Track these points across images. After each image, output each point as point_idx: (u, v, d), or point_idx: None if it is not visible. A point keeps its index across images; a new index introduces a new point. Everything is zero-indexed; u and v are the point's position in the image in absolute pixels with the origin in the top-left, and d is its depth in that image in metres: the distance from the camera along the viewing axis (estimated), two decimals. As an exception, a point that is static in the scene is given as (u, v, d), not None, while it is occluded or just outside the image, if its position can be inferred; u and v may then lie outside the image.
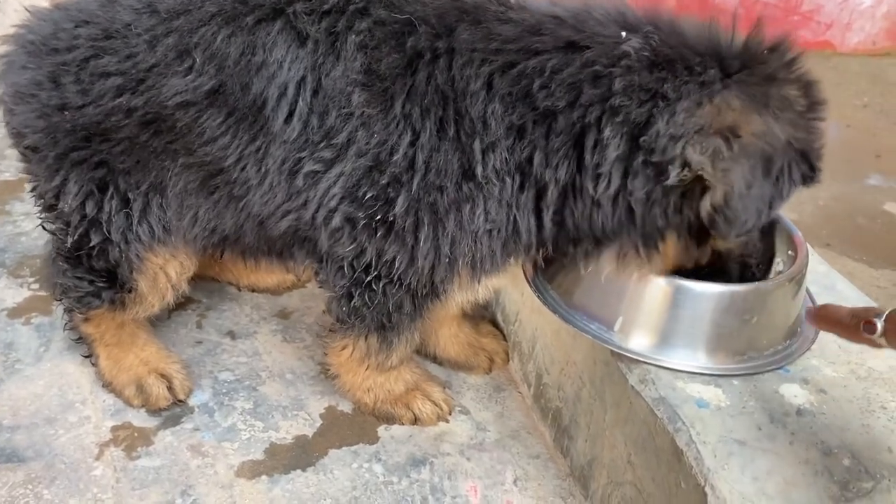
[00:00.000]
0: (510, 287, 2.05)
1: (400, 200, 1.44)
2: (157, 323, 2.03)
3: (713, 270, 1.50)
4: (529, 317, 1.98)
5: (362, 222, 1.48)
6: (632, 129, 1.34)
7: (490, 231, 1.45)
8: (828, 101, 1.40)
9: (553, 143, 1.40)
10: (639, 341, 1.52)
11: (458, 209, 1.44)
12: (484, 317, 2.16)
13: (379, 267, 1.53)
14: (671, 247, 1.45)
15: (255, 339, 2.11)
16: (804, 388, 1.48)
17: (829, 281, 1.78)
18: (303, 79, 1.45)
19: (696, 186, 1.34)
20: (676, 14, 1.44)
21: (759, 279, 1.53)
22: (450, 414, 1.91)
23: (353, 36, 1.44)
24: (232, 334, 2.11)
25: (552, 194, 1.43)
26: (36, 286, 2.19)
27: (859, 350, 1.59)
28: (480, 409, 1.95)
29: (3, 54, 1.70)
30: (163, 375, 1.86)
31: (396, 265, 1.50)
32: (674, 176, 1.32)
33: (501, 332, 2.14)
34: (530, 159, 1.41)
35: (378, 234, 1.49)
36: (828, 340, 1.59)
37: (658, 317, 1.51)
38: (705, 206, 1.33)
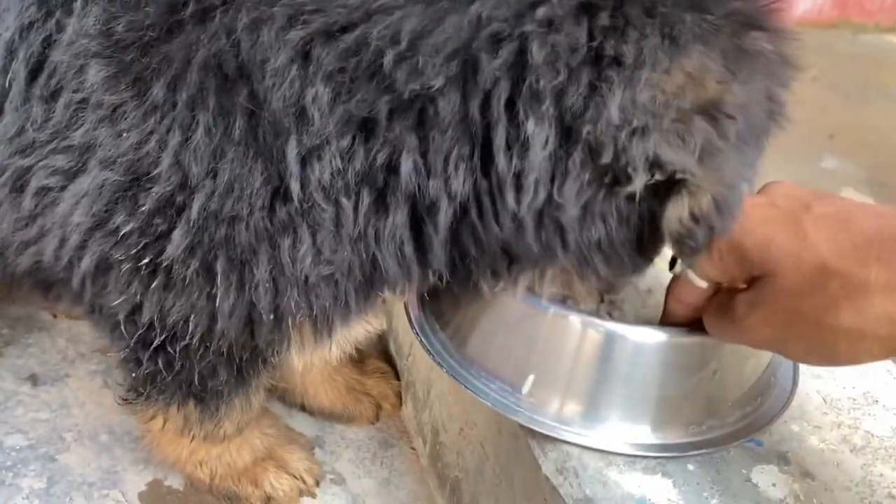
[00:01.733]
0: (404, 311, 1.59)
1: (175, 235, 0.93)
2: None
3: None
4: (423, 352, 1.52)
5: (125, 266, 0.98)
6: (565, 117, 0.85)
7: (330, 275, 0.95)
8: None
9: (436, 140, 0.88)
10: (556, 410, 1.07)
11: (272, 246, 0.93)
12: (372, 348, 1.69)
13: (166, 328, 1.03)
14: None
15: (65, 384, 1.60)
16: (784, 472, 1.06)
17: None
18: (13, 43, 0.94)
19: (663, 190, 0.88)
20: None
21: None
22: (317, 486, 1.44)
23: None
24: (34, 379, 1.60)
25: (445, 214, 0.91)
26: None
27: (849, 407, 1.19)
28: (360, 476, 1.49)
29: None
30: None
31: (191, 326, 1.00)
32: (638, 182, 0.86)
33: (394, 367, 1.69)
34: (391, 166, 0.90)
35: (153, 284, 0.98)
36: (808, 391, 1.18)
37: (583, 375, 1.06)
38: (680, 215, 0.88)
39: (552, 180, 0.86)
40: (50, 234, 1.00)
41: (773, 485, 1.04)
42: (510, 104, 0.84)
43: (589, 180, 0.86)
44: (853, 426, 1.15)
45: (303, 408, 1.58)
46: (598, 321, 1.04)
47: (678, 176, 0.84)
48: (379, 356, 1.70)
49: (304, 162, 0.88)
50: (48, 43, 0.95)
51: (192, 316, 0.98)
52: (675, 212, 0.87)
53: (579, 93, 0.82)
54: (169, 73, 0.89)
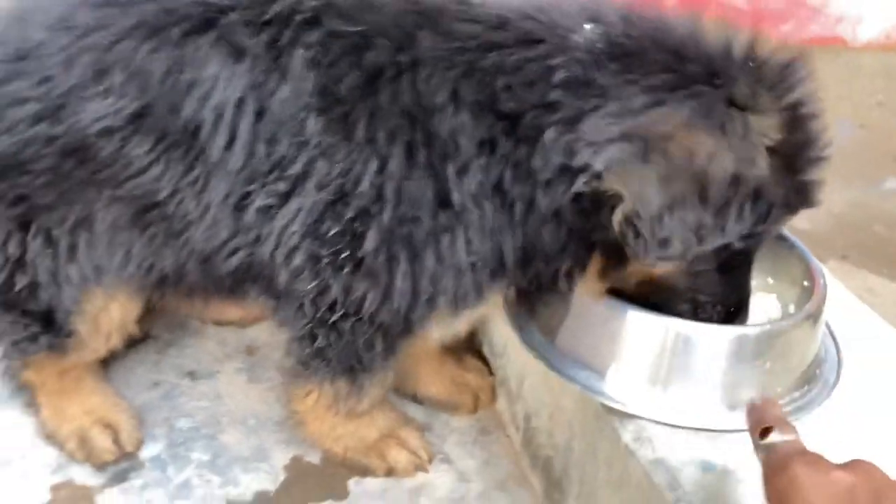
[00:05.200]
0: (498, 316, 1.86)
1: (370, 235, 1.28)
2: (111, 362, 1.85)
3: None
4: (518, 351, 1.78)
5: (326, 260, 1.31)
6: (564, 127, 1.19)
7: (474, 264, 1.29)
8: (821, 141, 1.21)
9: (518, 153, 1.23)
10: (634, 392, 1.32)
11: (437, 241, 1.27)
12: (469, 349, 1.97)
13: (346, 305, 1.35)
14: (596, 266, 1.30)
15: (217, 379, 1.92)
16: (826, 442, 1.28)
17: (849, 309, 1.58)
18: (241, 100, 1.27)
19: (613, 197, 1.18)
20: (668, 10, 1.25)
21: (722, 321, 1.32)
22: (429, 463, 1.72)
23: (301, 51, 1.26)
24: (192, 374, 1.93)
25: (518, 211, 1.27)
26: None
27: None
28: (464, 457, 1.76)
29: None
30: (108, 426, 1.68)
31: (367, 303, 1.33)
32: (581, 183, 1.17)
33: (488, 366, 1.95)
34: (503, 176, 1.24)
35: (345, 271, 1.31)
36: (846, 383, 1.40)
37: (658, 364, 1.31)
38: (617, 216, 1.17)
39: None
40: (268, 239, 1.33)
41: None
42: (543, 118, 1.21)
43: (564, 180, 1.20)
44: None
45: (415, 398, 1.86)
46: (670, 320, 1.29)
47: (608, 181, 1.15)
48: (474, 356, 1.97)
49: (458, 177, 1.22)
50: (270, 98, 1.28)
51: (370, 294, 1.32)
52: (616, 214, 1.17)
53: (573, 108, 1.18)
54: (370, 120, 1.24)
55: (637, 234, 1.14)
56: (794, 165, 1.17)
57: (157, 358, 1.96)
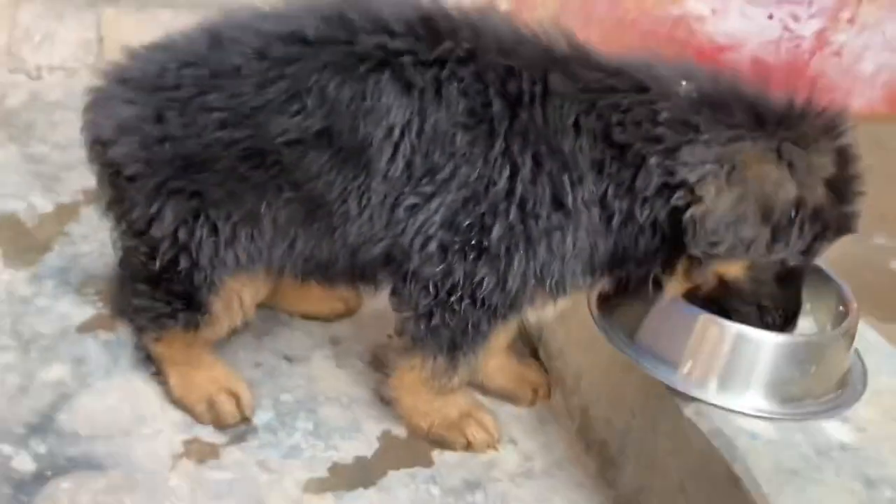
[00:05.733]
0: (554, 325, 2.18)
1: (496, 228, 1.60)
2: (218, 345, 2.13)
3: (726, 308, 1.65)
4: (575, 352, 2.10)
5: (456, 247, 1.63)
6: (666, 155, 1.53)
7: (576, 255, 1.62)
8: (862, 177, 1.58)
9: (622, 175, 1.58)
10: (702, 382, 1.63)
11: (549, 236, 1.60)
12: (525, 352, 2.28)
13: (465, 287, 1.67)
14: (682, 267, 1.63)
15: (309, 363, 2.21)
16: (845, 426, 1.61)
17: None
18: (408, 122, 1.60)
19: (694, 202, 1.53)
20: (738, 73, 1.62)
21: (777, 328, 1.64)
22: (499, 442, 2.02)
23: (456, 83, 1.60)
24: (288, 358, 2.22)
25: (616, 221, 1.61)
26: (100, 304, 2.28)
27: (891, 395, 1.73)
28: (526, 439, 2.06)
29: (97, 87, 1.83)
30: (232, 393, 1.96)
31: (484, 286, 1.65)
32: (678, 196, 1.52)
33: (543, 367, 2.26)
34: (606, 190, 1.58)
35: (470, 258, 1.64)
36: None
37: (723, 361, 1.62)
38: (687, 214, 1.52)
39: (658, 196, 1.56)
40: (409, 231, 1.65)
41: (837, 432, 1.59)
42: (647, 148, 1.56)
43: (665, 195, 1.55)
44: (891, 407, 1.69)
45: (481, 389, 2.15)
46: (732, 324, 1.61)
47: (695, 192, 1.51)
48: (531, 357, 2.28)
49: (572, 186, 1.57)
50: (429, 121, 1.60)
51: (487, 278, 1.64)
52: (689, 211, 1.51)
53: (673, 139, 1.53)
54: (507, 135, 1.58)
55: (695, 231, 1.51)
56: (843, 196, 1.54)
57: (257, 343, 2.25)
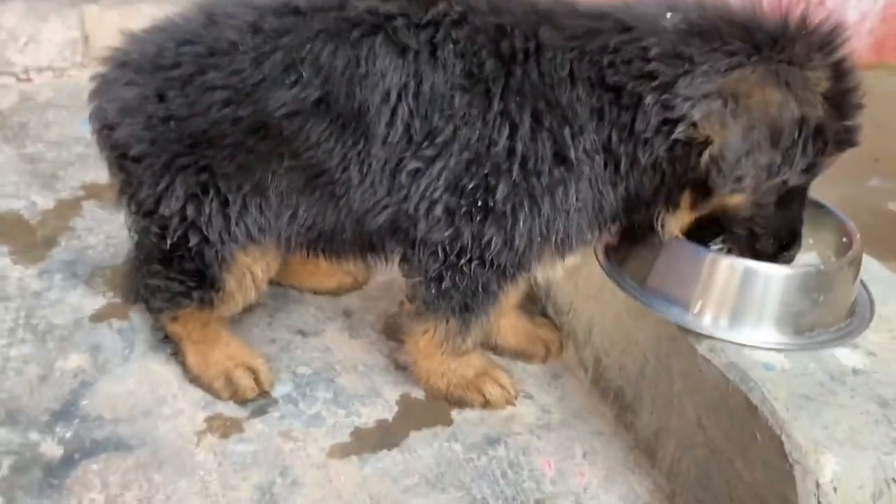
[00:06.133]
0: (561, 281, 2.20)
1: (500, 188, 1.61)
2: (231, 323, 2.15)
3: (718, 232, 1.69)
4: (584, 305, 2.13)
5: (462, 210, 1.64)
6: (662, 90, 1.53)
7: (580, 209, 1.63)
8: (860, 90, 1.59)
9: (623, 118, 1.59)
10: (713, 321, 1.66)
11: (553, 191, 1.61)
12: (534, 310, 2.31)
13: (473, 249, 1.68)
14: (686, 201, 1.64)
15: (323, 336, 2.24)
16: (855, 352, 1.64)
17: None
18: (405, 85, 1.60)
19: (703, 142, 1.53)
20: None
21: (770, 255, 1.66)
22: (516, 398, 2.05)
23: (451, 45, 1.61)
24: (302, 332, 2.24)
25: (623, 168, 1.62)
26: (110, 294, 2.30)
27: (898, 320, 1.76)
28: (542, 394, 2.09)
29: (100, 74, 1.84)
30: (249, 368, 1.99)
31: (492, 247, 1.66)
32: (679, 131, 1.52)
33: (553, 323, 2.29)
34: (609, 138, 1.59)
35: (476, 220, 1.64)
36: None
37: (730, 297, 1.65)
38: (705, 157, 1.53)
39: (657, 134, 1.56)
40: (413, 196, 1.66)
41: (848, 358, 1.62)
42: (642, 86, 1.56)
43: (666, 131, 1.54)
44: (900, 330, 1.72)
45: (494, 349, 2.18)
46: (739, 259, 1.64)
47: (703, 130, 1.51)
48: (541, 315, 2.31)
49: (573, 138, 1.57)
50: (426, 83, 1.61)
51: (495, 238, 1.65)
52: (705, 155, 1.52)
53: (668, 73, 1.52)
54: (502, 94, 1.58)
55: (719, 171, 1.50)
56: (842, 109, 1.54)
57: (270, 320, 2.27)
